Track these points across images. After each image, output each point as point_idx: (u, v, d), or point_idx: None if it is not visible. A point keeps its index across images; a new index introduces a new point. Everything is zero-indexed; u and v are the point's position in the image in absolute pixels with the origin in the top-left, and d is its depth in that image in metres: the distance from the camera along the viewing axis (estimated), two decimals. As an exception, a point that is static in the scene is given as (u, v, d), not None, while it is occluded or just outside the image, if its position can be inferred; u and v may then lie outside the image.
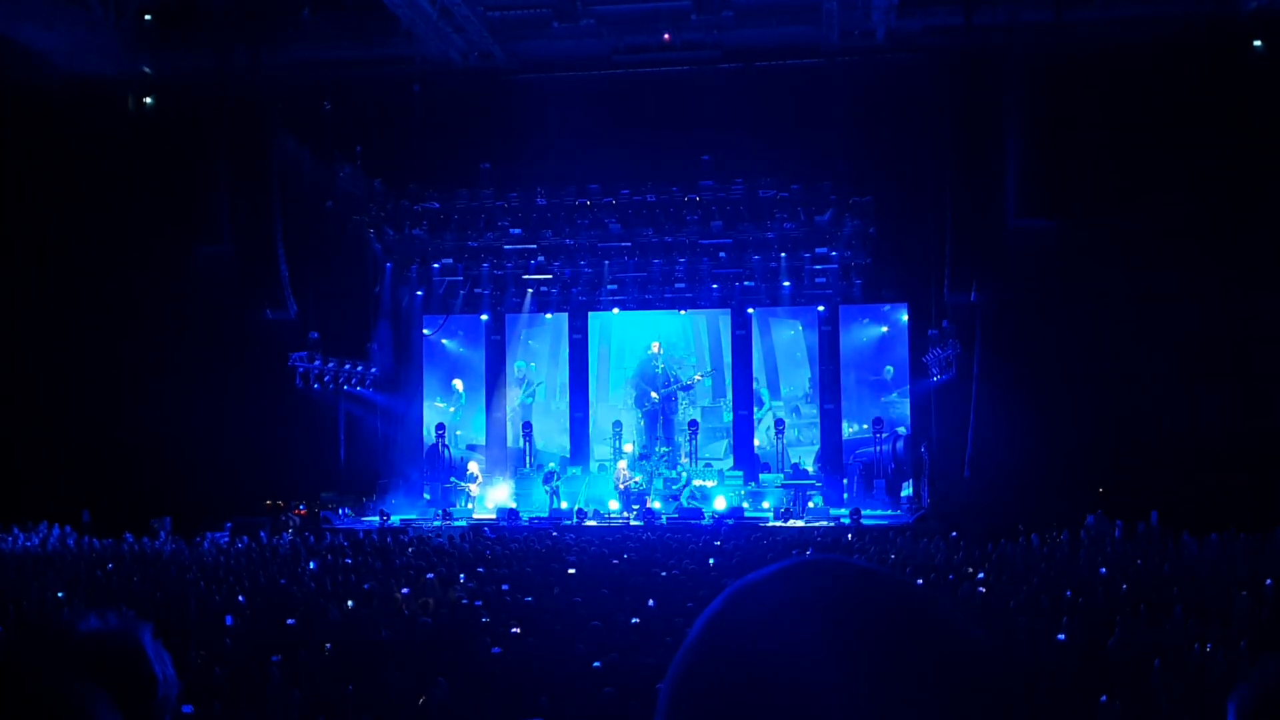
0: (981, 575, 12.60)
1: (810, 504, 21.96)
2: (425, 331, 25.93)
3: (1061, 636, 9.05)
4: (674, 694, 0.87)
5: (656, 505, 22.23)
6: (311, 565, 14.16)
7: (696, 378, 24.91)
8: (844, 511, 21.09)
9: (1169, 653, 8.48)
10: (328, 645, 9.50)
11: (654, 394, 24.86)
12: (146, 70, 22.79)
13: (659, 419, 24.97)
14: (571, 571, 13.51)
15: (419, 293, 25.73)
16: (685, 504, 22.25)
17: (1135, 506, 16.76)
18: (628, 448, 24.06)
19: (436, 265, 25.44)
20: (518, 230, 24.50)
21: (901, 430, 23.47)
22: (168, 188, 21.22)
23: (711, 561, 14.56)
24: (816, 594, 0.87)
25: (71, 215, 21.51)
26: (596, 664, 8.38)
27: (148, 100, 22.52)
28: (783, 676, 0.82)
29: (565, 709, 7.55)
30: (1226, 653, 8.32)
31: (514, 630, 9.96)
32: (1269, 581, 10.84)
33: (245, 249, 21.24)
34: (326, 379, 23.00)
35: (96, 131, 21.70)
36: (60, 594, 12.17)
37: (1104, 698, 7.03)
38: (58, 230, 21.51)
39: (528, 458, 24.88)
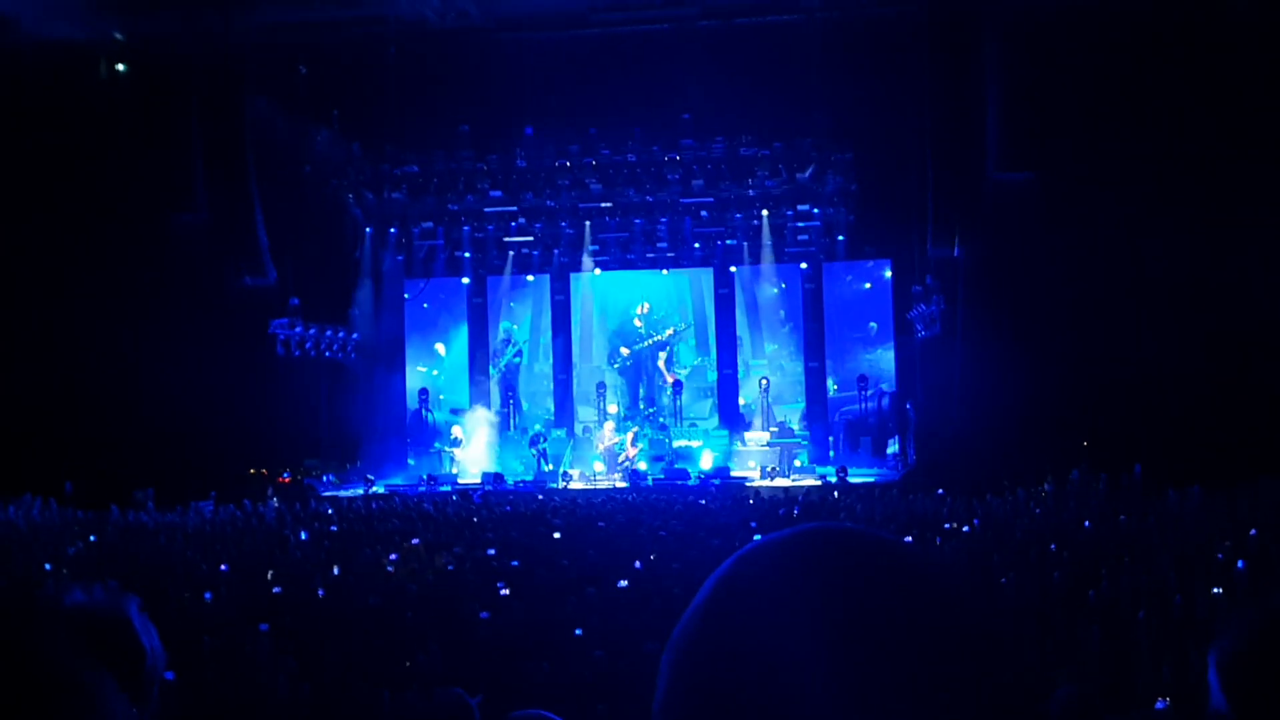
0: (967, 529, 12.71)
1: (796, 462, 22.08)
2: (406, 296, 25.79)
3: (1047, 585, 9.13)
4: (677, 656, 0.85)
5: (642, 466, 22.30)
6: (303, 535, 14.12)
7: (669, 332, 24.82)
8: (830, 469, 21.18)
9: (1152, 603, 8.56)
10: (315, 613, 9.49)
11: (624, 350, 24.80)
12: (118, 35, 22.37)
13: (641, 379, 24.95)
14: (557, 535, 13.53)
15: (399, 257, 25.57)
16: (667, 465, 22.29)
17: (1119, 460, 16.85)
18: (612, 408, 24.07)
19: (416, 229, 25.27)
20: (497, 192, 24.32)
21: (886, 387, 23.55)
22: (141, 154, 20.89)
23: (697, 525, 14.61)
24: (824, 560, 0.85)
25: (43, 184, 21.16)
26: (578, 631, 8.40)
27: (120, 66, 22.12)
28: (787, 642, 0.80)
29: (555, 671, 7.56)
30: (1208, 603, 8.40)
31: (502, 594, 9.97)
32: (1253, 531, 10.94)
33: (222, 215, 20.99)
34: (308, 345, 22.87)
35: (67, 98, 21.32)
36: (47, 566, 12.11)
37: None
38: (29, 199, 21.17)
39: (512, 421, 24.88)
